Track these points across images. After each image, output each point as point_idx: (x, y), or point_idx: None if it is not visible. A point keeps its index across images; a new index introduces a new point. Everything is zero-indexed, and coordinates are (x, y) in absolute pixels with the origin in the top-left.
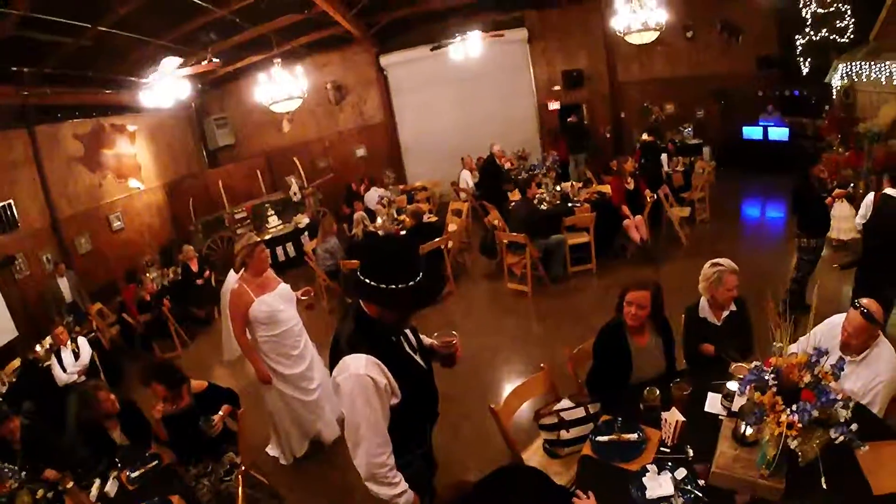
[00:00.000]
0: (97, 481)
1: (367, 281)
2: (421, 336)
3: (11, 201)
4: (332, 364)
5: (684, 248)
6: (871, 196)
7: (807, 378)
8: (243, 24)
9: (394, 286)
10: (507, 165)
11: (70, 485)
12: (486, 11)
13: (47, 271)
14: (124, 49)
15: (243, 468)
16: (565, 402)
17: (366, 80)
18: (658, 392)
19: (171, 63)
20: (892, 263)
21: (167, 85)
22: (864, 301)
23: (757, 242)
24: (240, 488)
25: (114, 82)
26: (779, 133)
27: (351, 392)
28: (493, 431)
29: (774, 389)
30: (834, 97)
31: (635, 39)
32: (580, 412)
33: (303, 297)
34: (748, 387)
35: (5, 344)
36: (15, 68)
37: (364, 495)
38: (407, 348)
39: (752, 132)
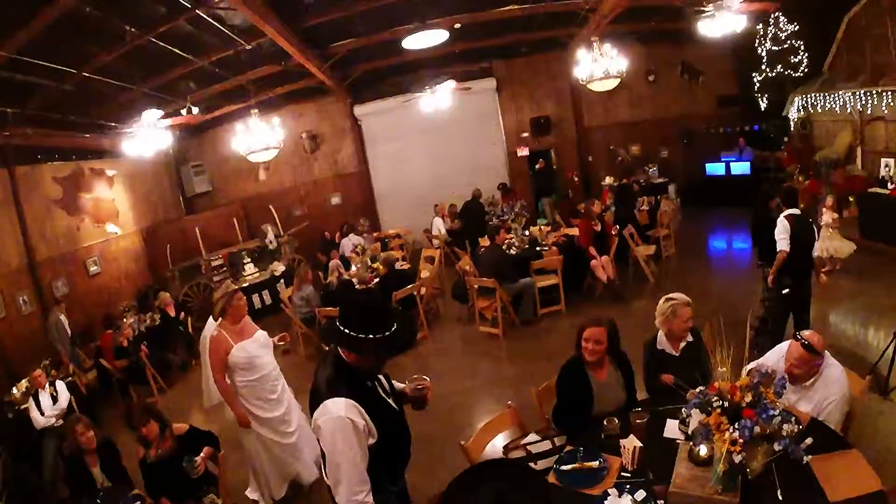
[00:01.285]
0: None
1: (346, 331)
2: (393, 381)
3: None
4: (312, 407)
5: (651, 285)
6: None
7: (748, 398)
8: (223, 74)
9: (371, 336)
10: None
11: None
12: (456, 62)
13: (24, 313)
14: (106, 94)
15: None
16: (532, 436)
17: (340, 129)
18: (617, 421)
19: (152, 115)
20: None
21: (148, 135)
22: (806, 333)
23: (722, 274)
24: None
25: (95, 127)
26: (741, 167)
27: (332, 433)
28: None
29: (719, 410)
30: (792, 129)
31: (597, 87)
32: (547, 445)
33: (279, 343)
34: (693, 409)
35: None
36: None
37: None
38: (381, 392)
39: (714, 168)
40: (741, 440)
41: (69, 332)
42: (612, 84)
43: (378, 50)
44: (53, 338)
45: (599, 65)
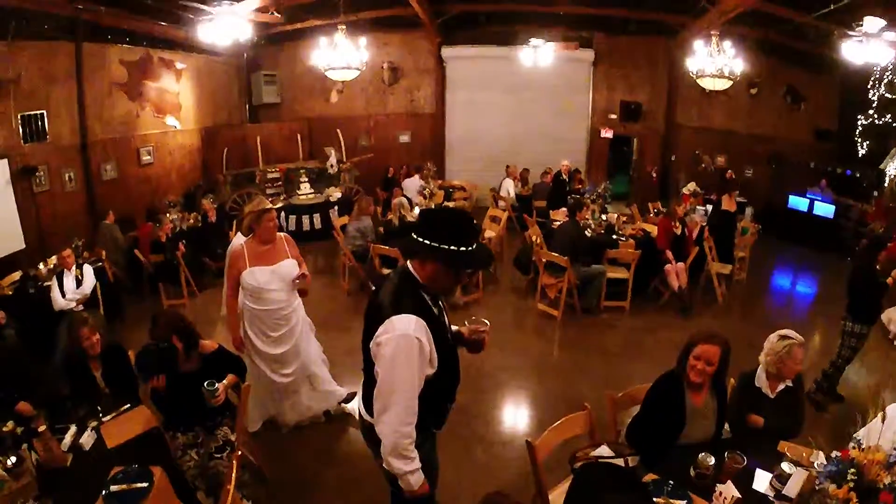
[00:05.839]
0: (73, 428)
1: (427, 241)
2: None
3: (44, 112)
4: (367, 328)
5: (718, 306)
6: None
7: (887, 479)
8: None
9: (455, 248)
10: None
11: (42, 428)
12: (557, 25)
13: (67, 190)
14: None
15: (239, 452)
16: (604, 450)
17: (423, 67)
18: (713, 460)
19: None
20: None
21: (227, 22)
22: None
23: (788, 315)
24: (233, 472)
25: (171, 15)
26: (824, 209)
27: (394, 352)
28: (505, 457)
29: (851, 484)
30: (886, 184)
31: (707, 84)
32: (619, 463)
33: (296, 281)
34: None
35: (9, 255)
36: None
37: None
38: (443, 320)
39: (797, 202)
40: None
41: (121, 243)
42: (723, 84)
43: None
44: (105, 248)
45: (715, 61)
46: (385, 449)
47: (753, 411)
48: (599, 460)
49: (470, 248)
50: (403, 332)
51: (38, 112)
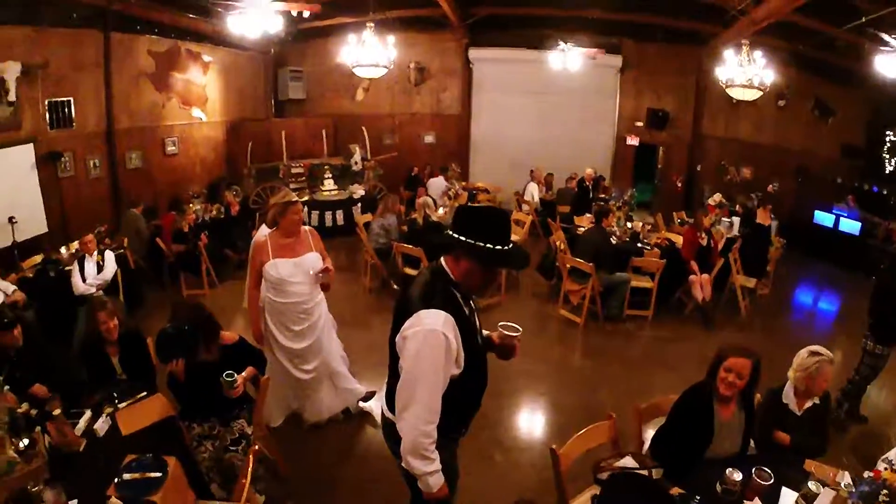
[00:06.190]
0: (88, 413)
1: (462, 238)
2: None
3: (71, 99)
4: (396, 323)
5: (741, 320)
6: None
7: None
8: None
9: (491, 245)
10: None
11: (57, 412)
12: (585, 30)
13: (91, 177)
14: None
15: (256, 446)
16: (628, 461)
17: (450, 68)
18: (740, 476)
19: None
20: None
21: (258, 14)
22: None
23: (810, 332)
24: (249, 467)
25: (199, 7)
26: (850, 226)
27: (420, 346)
28: (523, 463)
29: None
30: None
31: (737, 94)
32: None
33: (319, 274)
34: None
35: (32, 238)
36: None
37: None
38: (475, 321)
39: (823, 218)
40: None
41: (144, 232)
42: (752, 95)
43: None
44: (128, 236)
45: (745, 71)
46: (405, 447)
47: (779, 428)
48: (624, 472)
49: (506, 248)
50: (431, 326)
51: (65, 99)
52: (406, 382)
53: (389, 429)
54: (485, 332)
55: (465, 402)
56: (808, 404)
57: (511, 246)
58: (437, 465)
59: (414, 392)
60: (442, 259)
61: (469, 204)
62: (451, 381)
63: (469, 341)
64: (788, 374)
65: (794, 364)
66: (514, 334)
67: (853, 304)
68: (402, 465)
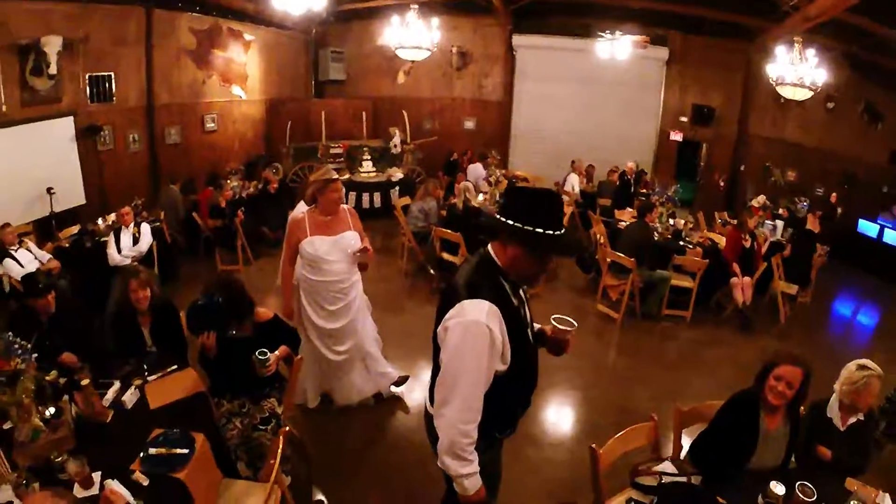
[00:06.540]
0: (116, 384)
1: (511, 222)
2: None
3: (112, 74)
4: (440, 311)
5: (780, 327)
6: None
7: None
8: None
9: (543, 230)
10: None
11: (86, 381)
12: (631, 20)
13: (130, 150)
14: None
15: (287, 427)
16: (668, 466)
17: (493, 54)
18: (782, 490)
19: None
20: None
21: None
22: None
23: (848, 344)
24: (279, 448)
25: None
26: (894, 237)
27: (462, 338)
28: (556, 459)
29: None
30: None
31: (787, 93)
32: (682, 481)
33: (357, 254)
34: None
35: (70, 209)
36: None
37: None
38: (524, 314)
39: (867, 227)
40: None
41: (181, 206)
42: (803, 94)
43: None
44: (165, 210)
45: (796, 69)
46: (441, 446)
47: (821, 443)
48: (664, 479)
49: (558, 232)
50: (474, 318)
51: (106, 73)
52: (445, 377)
53: (430, 423)
54: (536, 326)
55: (511, 401)
56: (852, 420)
57: (563, 231)
58: (475, 468)
59: (453, 388)
60: (489, 246)
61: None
62: (497, 378)
63: (517, 335)
64: (834, 386)
65: (842, 377)
66: (569, 329)
67: (893, 321)
68: (439, 464)
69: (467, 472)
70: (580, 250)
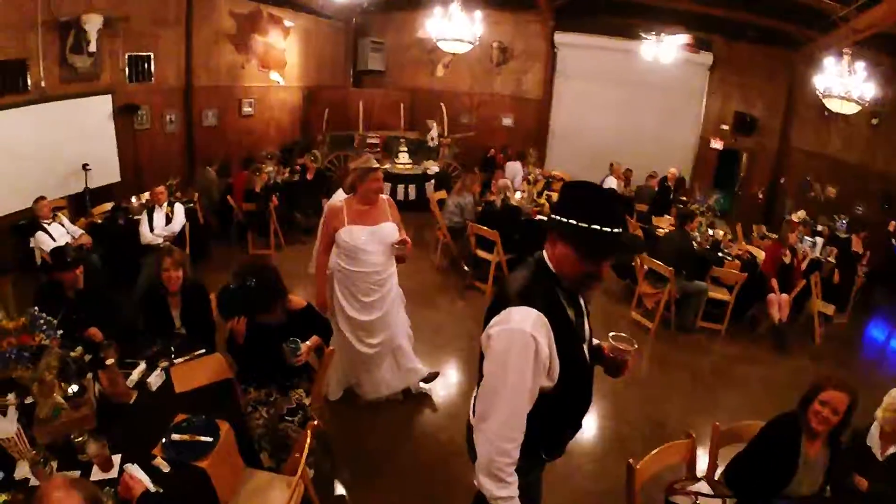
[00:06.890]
0: (142, 365)
1: (567, 220)
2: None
3: (151, 55)
4: (487, 317)
5: (815, 348)
6: None
7: None
8: None
9: (603, 228)
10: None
11: (111, 361)
12: (675, 23)
13: (167, 131)
14: None
15: (316, 421)
16: (703, 486)
17: (534, 51)
18: None
19: None
20: None
21: None
22: None
23: (886, 371)
24: (307, 442)
25: None
26: None
27: (505, 349)
28: (584, 469)
29: None
30: None
31: (834, 106)
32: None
33: (395, 245)
34: None
35: (104, 186)
36: None
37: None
38: (578, 327)
39: None
40: None
41: (215, 188)
42: (850, 108)
43: None
44: (199, 191)
45: (844, 82)
46: (479, 464)
47: (859, 472)
48: (700, 499)
49: (614, 230)
50: (518, 326)
51: (145, 54)
52: (486, 389)
53: (470, 435)
54: (594, 342)
55: (559, 422)
56: (892, 450)
57: (619, 230)
58: (513, 491)
59: (493, 402)
60: (544, 248)
61: (536, 193)
62: (544, 396)
63: (569, 351)
64: (876, 413)
65: (884, 403)
66: (629, 348)
67: None
68: (475, 482)
69: (504, 496)
70: (635, 250)
